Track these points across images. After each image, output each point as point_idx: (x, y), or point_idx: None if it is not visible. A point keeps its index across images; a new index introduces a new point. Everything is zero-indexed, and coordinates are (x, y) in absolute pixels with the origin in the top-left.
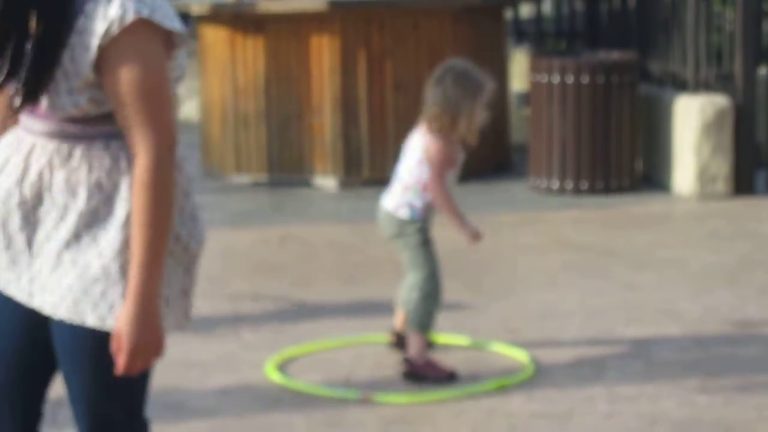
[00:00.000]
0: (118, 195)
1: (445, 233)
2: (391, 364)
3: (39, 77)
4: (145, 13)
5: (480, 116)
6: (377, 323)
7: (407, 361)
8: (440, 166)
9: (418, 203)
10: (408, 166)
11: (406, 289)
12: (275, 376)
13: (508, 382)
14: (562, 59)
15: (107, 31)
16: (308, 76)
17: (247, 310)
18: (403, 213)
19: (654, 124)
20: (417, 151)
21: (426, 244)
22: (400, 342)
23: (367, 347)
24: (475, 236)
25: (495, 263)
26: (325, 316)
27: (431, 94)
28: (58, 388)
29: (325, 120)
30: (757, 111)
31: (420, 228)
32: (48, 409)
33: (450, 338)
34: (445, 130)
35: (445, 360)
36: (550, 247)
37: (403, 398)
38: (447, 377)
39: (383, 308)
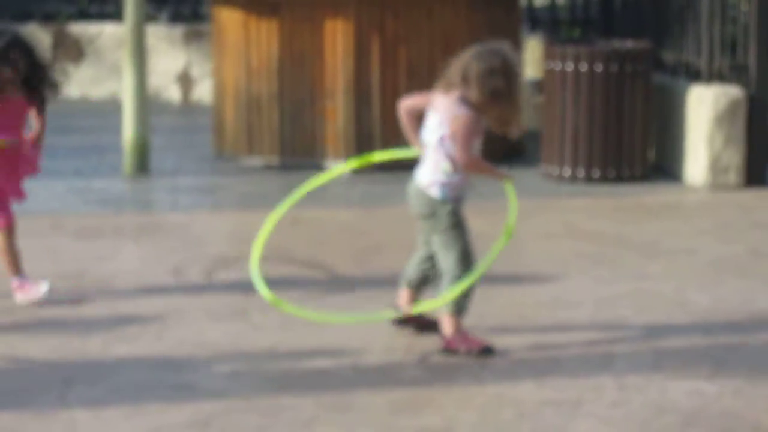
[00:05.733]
0: None
1: None
2: (401, 345)
3: None
4: None
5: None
6: (387, 307)
7: (444, 341)
8: (467, 139)
9: (449, 183)
10: (433, 141)
11: (417, 265)
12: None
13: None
14: (575, 47)
15: None
16: (321, 59)
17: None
18: (435, 192)
19: (667, 114)
20: (442, 123)
21: (457, 226)
22: (406, 321)
23: (377, 327)
24: (506, 176)
25: (506, 250)
26: (334, 298)
27: (476, 64)
28: (68, 369)
29: (338, 104)
30: None
31: (451, 211)
32: (57, 389)
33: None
34: (477, 102)
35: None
36: (561, 234)
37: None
38: (481, 349)
39: (393, 291)
